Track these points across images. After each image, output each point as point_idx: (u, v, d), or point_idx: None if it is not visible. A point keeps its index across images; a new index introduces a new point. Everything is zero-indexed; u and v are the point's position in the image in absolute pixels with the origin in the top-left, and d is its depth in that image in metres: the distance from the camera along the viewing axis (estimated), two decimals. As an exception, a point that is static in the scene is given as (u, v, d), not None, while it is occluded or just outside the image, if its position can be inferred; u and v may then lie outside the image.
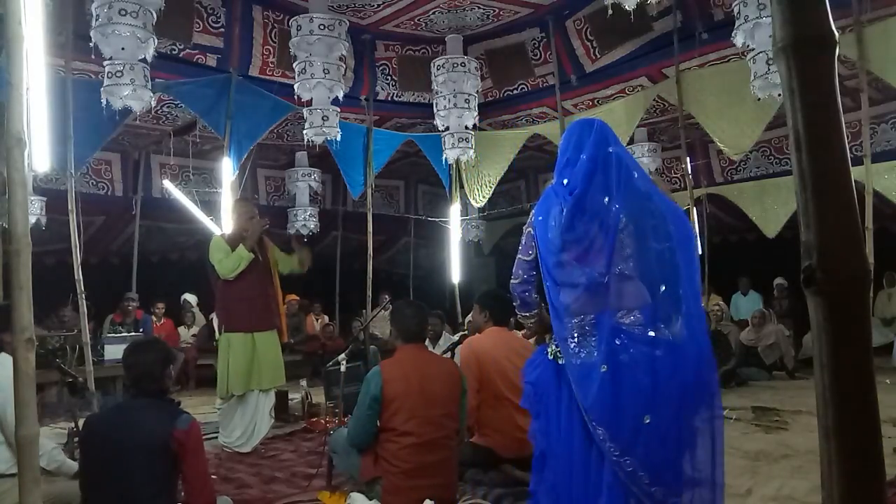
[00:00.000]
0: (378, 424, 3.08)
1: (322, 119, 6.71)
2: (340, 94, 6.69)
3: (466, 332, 6.60)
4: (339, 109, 6.86)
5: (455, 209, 9.41)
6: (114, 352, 6.69)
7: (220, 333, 4.83)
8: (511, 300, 3.08)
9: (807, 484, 3.38)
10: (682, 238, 2.16)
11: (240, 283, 4.73)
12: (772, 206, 8.27)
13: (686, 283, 2.12)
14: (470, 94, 7.54)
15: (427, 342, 6.37)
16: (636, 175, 2.22)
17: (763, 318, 7.87)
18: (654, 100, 7.92)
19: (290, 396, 6.08)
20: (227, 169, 6.71)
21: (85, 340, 6.16)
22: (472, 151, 7.97)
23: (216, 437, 4.75)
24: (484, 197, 9.07)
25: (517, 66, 8.34)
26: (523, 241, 2.33)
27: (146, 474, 2.36)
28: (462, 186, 9.26)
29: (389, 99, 8.54)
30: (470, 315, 7.59)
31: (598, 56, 7.73)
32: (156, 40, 5.69)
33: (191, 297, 9.14)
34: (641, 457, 2.00)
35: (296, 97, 6.73)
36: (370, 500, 3.04)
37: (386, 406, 3.03)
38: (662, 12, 6.87)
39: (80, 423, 3.15)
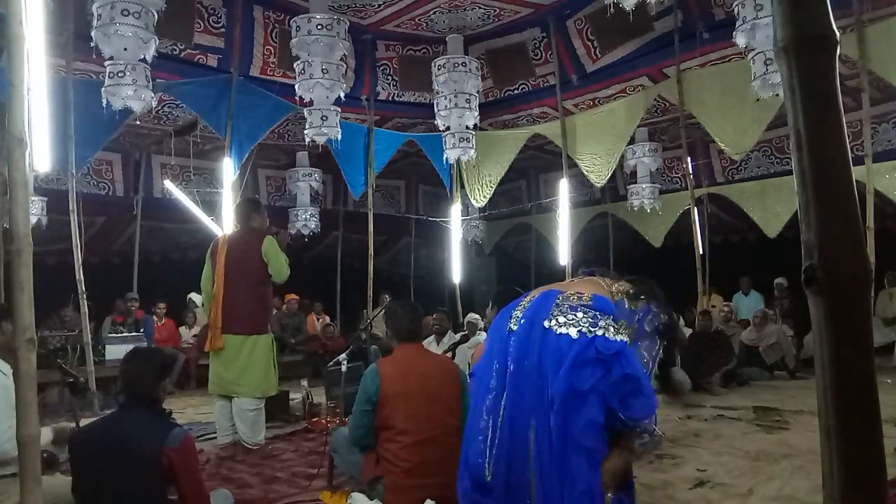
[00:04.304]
0: (375, 422, 3.08)
1: (322, 119, 6.72)
2: (341, 95, 6.69)
3: (467, 332, 6.61)
4: (339, 109, 6.87)
5: (456, 209, 9.41)
6: (115, 352, 6.69)
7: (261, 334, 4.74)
8: None
9: (808, 484, 3.38)
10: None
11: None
12: (773, 206, 8.28)
13: None
14: (471, 94, 7.55)
15: (433, 338, 6.39)
16: None
17: (764, 318, 7.86)
18: (654, 99, 7.92)
19: (291, 396, 6.08)
20: (228, 169, 6.72)
21: (86, 340, 6.18)
22: (472, 151, 7.98)
23: (215, 438, 4.74)
24: (484, 197, 9.07)
25: (518, 66, 8.35)
26: None
27: (136, 491, 2.35)
28: (463, 186, 9.28)
29: (390, 99, 8.55)
30: (470, 315, 7.64)
31: (599, 56, 7.73)
32: (157, 40, 5.70)
33: (196, 297, 9.12)
34: None
35: (297, 97, 6.73)
36: (371, 499, 3.03)
37: (383, 404, 3.03)
38: (663, 12, 6.88)
39: (81, 422, 3.15)
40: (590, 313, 1.99)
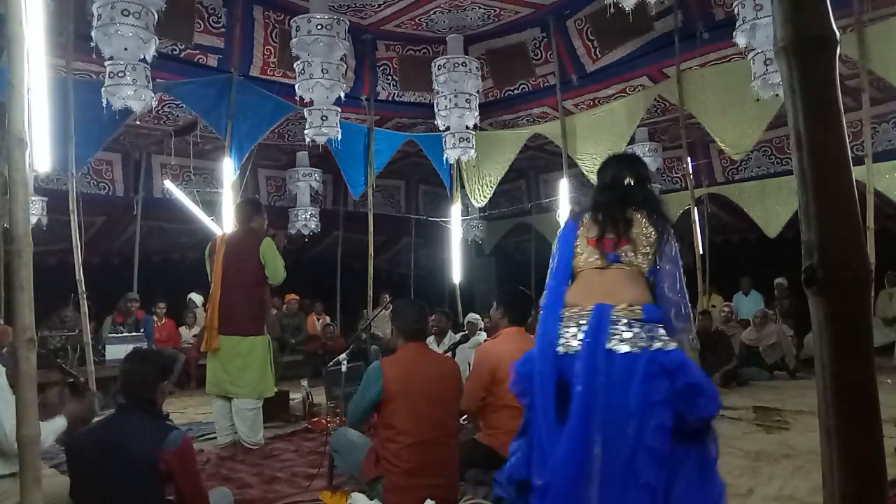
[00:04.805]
0: (377, 420, 3.09)
1: (322, 119, 6.71)
2: (341, 95, 6.69)
3: (467, 332, 6.61)
4: (339, 109, 6.86)
5: (456, 209, 9.41)
6: (115, 352, 6.69)
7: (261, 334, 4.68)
8: (532, 300, 3.59)
9: (808, 484, 3.38)
10: None
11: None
12: (773, 206, 8.26)
13: None
14: (471, 94, 7.54)
15: (433, 339, 6.39)
16: None
17: (764, 318, 7.86)
18: (655, 99, 7.92)
19: (292, 396, 6.09)
20: (228, 169, 6.71)
21: (86, 340, 6.17)
22: (472, 151, 7.98)
23: (215, 438, 4.74)
24: (485, 197, 9.07)
25: (518, 66, 8.34)
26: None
27: (134, 494, 2.35)
28: (463, 186, 9.27)
29: (390, 99, 8.54)
30: (470, 315, 7.64)
31: (599, 56, 7.73)
32: (157, 40, 5.69)
33: (196, 297, 9.14)
34: None
35: (297, 97, 6.73)
36: (371, 499, 3.04)
37: (386, 403, 3.03)
38: (663, 12, 6.87)
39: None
40: (645, 327, 2.18)
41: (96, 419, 2.85)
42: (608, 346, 2.14)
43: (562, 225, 2.56)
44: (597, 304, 2.20)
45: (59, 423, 2.78)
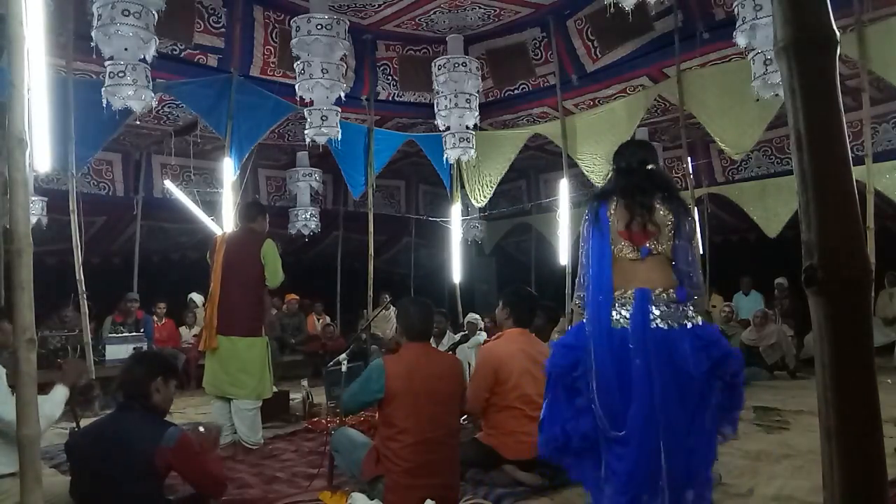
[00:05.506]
0: (378, 418, 3.11)
1: (321, 119, 6.71)
2: (341, 95, 6.68)
3: (467, 332, 6.60)
4: (339, 109, 6.86)
5: (456, 209, 9.41)
6: (115, 352, 6.69)
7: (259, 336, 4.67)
8: (537, 301, 3.90)
9: (808, 484, 3.39)
10: None
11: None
12: (773, 206, 8.26)
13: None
14: (471, 94, 7.54)
15: (432, 340, 6.39)
16: None
17: (765, 318, 7.86)
18: (655, 99, 7.91)
19: (292, 396, 6.09)
20: (228, 169, 6.72)
21: (86, 340, 6.18)
22: (472, 151, 7.97)
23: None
24: (485, 197, 9.06)
25: (518, 66, 8.34)
26: None
27: (133, 492, 2.37)
28: (463, 186, 9.27)
29: (390, 99, 8.54)
30: (470, 315, 7.64)
31: (599, 56, 7.72)
32: (157, 40, 5.69)
33: (197, 297, 9.14)
34: None
35: (297, 97, 6.73)
36: (371, 499, 3.03)
37: (388, 401, 3.03)
38: (663, 12, 6.86)
39: (82, 422, 3.15)
40: (680, 306, 2.54)
41: (96, 418, 2.85)
42: (653, 325, 2.49)
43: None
44: (638, 289, 2.53)
45: (59, 393, 2.78)
